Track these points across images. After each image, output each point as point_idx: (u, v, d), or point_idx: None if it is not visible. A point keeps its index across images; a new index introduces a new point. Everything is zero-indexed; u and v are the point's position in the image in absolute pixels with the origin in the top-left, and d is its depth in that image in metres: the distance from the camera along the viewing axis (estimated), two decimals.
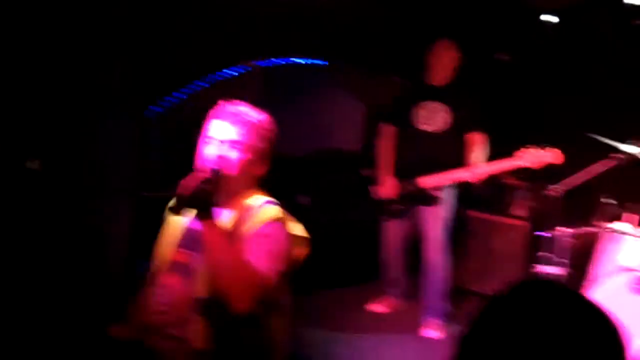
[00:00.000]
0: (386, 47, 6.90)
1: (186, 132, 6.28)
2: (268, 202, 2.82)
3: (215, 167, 2.67)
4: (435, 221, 5.74)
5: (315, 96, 7.10)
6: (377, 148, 5.91)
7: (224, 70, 6.39)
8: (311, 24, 6.42)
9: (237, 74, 6.45)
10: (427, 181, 5.61)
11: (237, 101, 2.86)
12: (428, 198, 5.69)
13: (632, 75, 6.48)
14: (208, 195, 2.56)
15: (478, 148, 5.66)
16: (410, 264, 6.14)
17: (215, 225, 2.59)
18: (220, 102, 2.84)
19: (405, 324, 5.95)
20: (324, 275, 6.47)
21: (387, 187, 5.79)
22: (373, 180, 5.88)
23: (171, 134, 6.20)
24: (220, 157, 2.73)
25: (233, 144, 2.76)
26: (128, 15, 4.82)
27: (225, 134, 2.76)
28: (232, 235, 2.69)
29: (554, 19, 6.95)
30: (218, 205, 2.64)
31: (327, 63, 7.06)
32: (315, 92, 7.10)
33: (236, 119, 2.78)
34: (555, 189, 5.44)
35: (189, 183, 2.56)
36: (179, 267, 2.79)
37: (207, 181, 2.58)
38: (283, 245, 2.72)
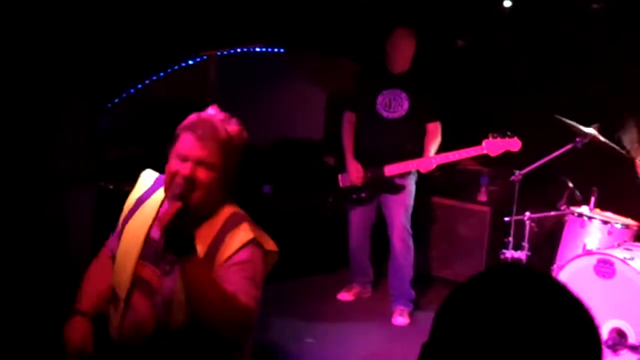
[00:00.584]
0: (344, 33, 6.85)
1: (142, 122, 6.24)
2: (234, 220, 2.69)
3: (183, 193, 2.54)
4: (399, 208, 5.75)
5: (274, 84, 7.03)
6: (341, 135, 5.87)
7: (181, 60, 6.30)
8: (268, 10, 6.36)
9: (193, 63, 6.36)
10: (392, 169, 5.61)
11: (210, 111, 2.71)
12: (392, 186, 5.68)
13: (587, 60, 6.52)
14: (183, 233, 2.45)
15: (433, 137, 5.68)
16: (377, 252, 6.13)
17: (197, 263, 2.48)
18: (192, 115, 2.70)
19: (372, 311, 5.96)
20: (291, 264, 6.44)
21: (352, 173, 5.75)
22: (337, 168, 5.85)
23: (128, 125, 6.10)
24: (189, 178, 2.58)
25: (202, 163, 2.61)
26: (84, 4, 4.73)
27: (195, 152, 2.61)
28: (207, 261, 2.59)
29: (509, 3, 6.96)
30: (191, 229, 2.54)
31: (285, 50, 6.99)
32: (275, 80, 7.04)
33: (206, 136, 2.62)
34: (519, 174, 5.45)
35: (164, 218, 2.44)
36: (145, 286, 2.67)
37: (180, 213, 2.45)
38: (260, 267, 2.65)
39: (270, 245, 2.73)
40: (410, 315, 5.81)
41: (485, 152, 5.50)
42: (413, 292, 5.89)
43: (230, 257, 2.58)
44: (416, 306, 5.90)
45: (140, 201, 2.82)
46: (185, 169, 2.58)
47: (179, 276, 2.55)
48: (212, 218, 2.68)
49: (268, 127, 6.89)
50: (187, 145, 2.61)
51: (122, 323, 2.69)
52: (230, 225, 2.66)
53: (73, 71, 4.68)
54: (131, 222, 2.79)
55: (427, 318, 5.68)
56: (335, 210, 6.02)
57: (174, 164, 2.62)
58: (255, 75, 6.85)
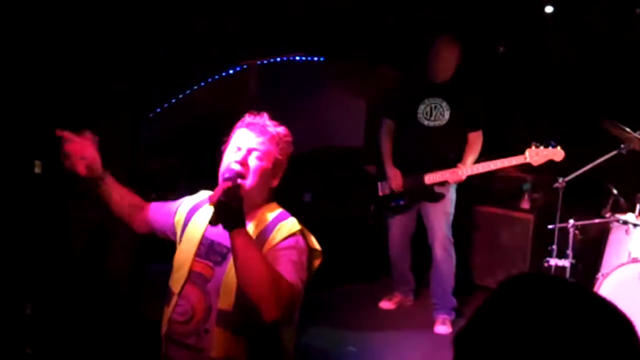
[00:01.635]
0: (385, 41, 6.83)
1: (184, 132, 6.29)
2: (284, 215, 2.81)
3: (236, 174, 2.69)
4: (440, 217, 5.71)
5: (315, 93, 7.04)
6: (379, 143, 5.85)
7: (222, 70, 6.33)
8: (308, 20, 6.36)
9: (234, 72, 6.39)
10: (432, 177, 5.57)
11: (262, 113, 2.88)
12: (432, 194, 5.65)
13: (633, 64, 6.43)
14: (232, 206, 2.55)
15: (473, 147, 5.64)
16: (420, 260, 6.10)
17: (244, 234, 2.56)
18: (247, 115, 2.88)
19: (414, 320, 5.94)
20: (333, 273, 6.44)
21: (391, 180, 5.73)
22: (377, 176, 5.83)
23: (169, 134, 6.14)
24: (243, 164, 2.74)
25: (255, 151, 2.77)
26: (125, 15, 4.77)
27: (248, 143, 2.78)
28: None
29: (550, 9, 6.89)
30: (243, 215, 2.61)
31: (325, 59, 6.99)
32: (315, 89, 7.05)
33: (259, 129, 2.81)
34: (563, 181, 5.39)
35: (214, 195, 2.57)
36: (197, 278, 2.79)
37: (229, 190, 2.58)
38: (305, 256, 2.71)
39: (316, 244, 2.81)
40: (453, 324, 5.76)
41: (527, 161, 5.43)
42: (455, 301, 5.84)
43: (277, 243, 2.68)
44: (458, 315, 5.85)
45: (195, 208, 2.96)
46: (238, 156, 2.75)
47: (229, 264, 2.67)
48: (262, 209, 2.81)
49: (309, 136, 6.88)
50: (240, 136, 2.81)
51: (173, 313, 2.80)
52: (279, 218, 2.78)
53: (116, 81, 4.72)
54: (190, 225, 2.92)
55: None
56: (377, 219, 6.00)
57: (228, 156, 2.79)
58: (295, 84, 6.87)
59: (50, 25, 4.25)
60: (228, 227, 2.53)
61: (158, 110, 5.99)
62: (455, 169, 5.55)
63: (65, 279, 4.32)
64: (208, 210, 2.82)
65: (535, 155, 5.39)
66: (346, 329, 5.63)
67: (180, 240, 2.92)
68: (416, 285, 6.25)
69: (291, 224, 2.74)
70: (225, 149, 2.82)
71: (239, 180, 2.70)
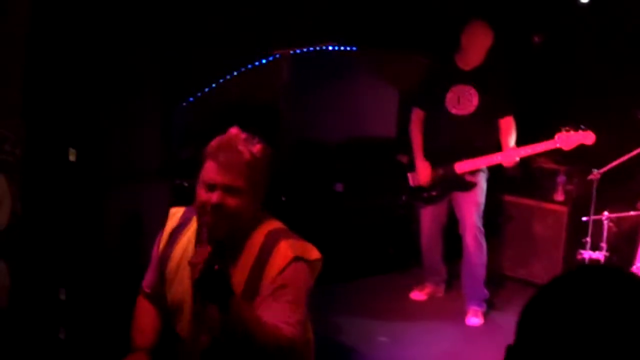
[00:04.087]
0: (418, 29, 6.79)
1: (217, 121, 6.30)
2: (273, 238, 2.70)
3: (214, 223, 2.54)
4: (471, 207, 5.67)
5: (347, 82, 7.02)
6: (409, 133, 5.83)
7: (254, 59, 6.34)
8: (340, 8, 6.35)
9: (266, 62, 6.39)
10: (462, 166, 5.54)
11: (232, 132, 2.70)
12: (463, 183, 5.62)
13: None
14: (220, 281, 2.37)
15: (509, 131, 5.57)
16: (450, 251, 6.07)
17: (238, 305, 2.46)
18: (213, 141, 2.70)
19: (445, 311, 5.91)
20: (364, 263, 6.45)
21: (420, 174, 5.71)
22: (409, 166, 5.81)
23: (202, 123, 6.16)
24: (218, 206, 2.59)
25: (230, 190, 2.61)
26: (160, 4, 4.79)
27: (221, 179, 2.61)
28: (250, 290, 2.63)
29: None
30: (227, 265, 2.48)
31: (357, 48, 6.97)
32: (347, 79, 7.03)
33: (230, 161, 2.61)
34: (598, 172, 5.33)
35: (196, 266, 2.39)
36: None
37: (212, 258, 2.38)
38: (304, 285, 2.67)
39: (313, 254, 2.73)
40: (484, 315, 5.72)
41: (558, 145, 5.36)
42: (487, 292, 5.81)
43: (273, 279, 2.61)
44: (490, 306, 5.82)
45: (177, 232, 2.87)
46: (213, 197, 2.59)
47: None
48: (248, 243, 2.70)
49: (341, 125, 6.89)
50: (211, 173, 2.62)
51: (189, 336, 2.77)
52: (268, 247, 2.67)
53: (149, 70, 4.74)
54: (174, 256, 2.83)
55: (501, 318, 5.65)
56: (408, 209, 5.98)
57: (202, 194, 2.63)
58: (328, 74, 6.85)
59: (85, 14, 4.27)
60: (219, 307, 2.42)
61: (191, 99, 6.01)
62: (507, 151, 5.48)
63: (99, 266, 4.36)
64: (190, 235, 2.79)
65: (566, 139, 5.31)
66: (377, 320, 5.63)
67: (166, 279, 2.84)
68: (447, 276, 6.22)
69: (282, 255, 2.64)
70: (198, 184, 2.67)
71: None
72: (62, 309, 4.23)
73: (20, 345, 4.03)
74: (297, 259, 2.64)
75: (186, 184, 5.23)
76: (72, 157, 4.17)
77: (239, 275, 2.62)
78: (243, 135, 2.68)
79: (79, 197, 4.29)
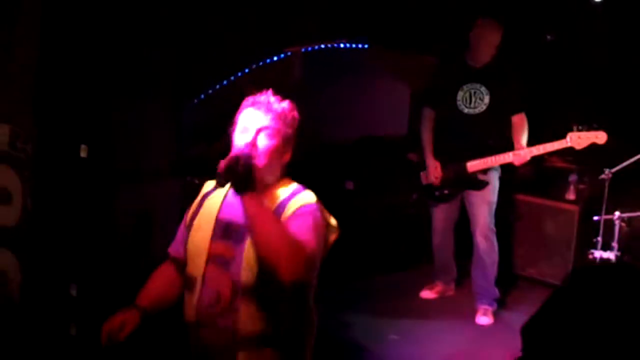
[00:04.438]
0: (429, 28, 6.79)
1: (227, 119, 6.31)
2: (299, 189, 2.82)
3: (247, 152, 2.65)
4: (483, 205, 5.66)
5: (358, 80, 7.02)
6: (420, 132, 5.83)
7: (266, 56, 6.34)
8: (352, 6, 6.34)
9: (278, 59, 6.39)
10: (474, 165, 5.53)
11: (264, 91, 2.86)
12: (475, 182, 5.61)
13: None
14: (244, 168, 2.54)
15: (521, 128, 5.55)
16: (461, 250, 6.06)
17: (256, 197, 2.58)
18: (249, 95, 2.86)
19: (455, 310, 5.90)
20: (374, 261, 6.45)
21: (430, 173, 5.71)
22: (420, 165, 5.80)
23: (213, 121, 6.16)
24: (251, 144, 2.72)
25: (263, 130, 2.76)
26: (172, 1, 4.81)
27: (256, 122, 2.76)
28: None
29: None
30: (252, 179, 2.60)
31: (369, 46, 6.97)
32: (359, 77, 7.02)
33: (264, 107, 2.79)
34: (609, 172, 5.32)
35: (222, 163, 2.55)
36: (217, 260, 2.78)
37: (237, 158, 2.55)
38: (321, 225, 2.73)
39: (332, 219, 2.82)
40: (494, 314, 5.71)
41: (569, 145, 5.34)
42: (497, 291, 5.79)
43: (292, 212, 2.69)
44: (500, 305, 5.82)
45: (206, 195, 2.94)
46: (247, 137, 2.72)
47: (248, 241, 2.67)
48: (276, 186, 2.80)
49: (351, 123, 6.88)
50: (247, 116, 2.78)
51: (200, 298, 2.79)
52: (295, 192, 2.78)
53: (161, 67, 4.75)
54: (201, 212, 2.90)
55: (511, 318, 5.64)
56: (419, 207, 5.98)
57: (236, 137, 2.76)
58: (339, 72, 6.85)
59: (96, 13, 4.29)
60: (238, 190, 2.55)
61: (202, 96, 6.02)
62: (518, 151, 5.46)
63: (110, 262, 4.37)
64: (218, 194, 2.86)
65: (577, 138, 5.29)
66: (387, 318, 5.63)
67: (190, 229, 2.91)
68: (458, 274, 6.21)
69: (307, 196, 2.76)
70: (233, 131, 2.80)
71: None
72: (73, 304, 4.25)
73: (32, 340, 4.05)
74: (317, 203, 2.75)
75: (197, 181, 5.23)
76: (83, 154, 4.18)
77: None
78: (274, 96, 2.84)
79: (90, 193, 4.31)
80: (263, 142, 2.74)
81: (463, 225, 5.89)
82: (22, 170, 4.05)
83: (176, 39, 4.88)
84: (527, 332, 1.31)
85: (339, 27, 6.53)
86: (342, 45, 6.84)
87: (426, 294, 6.14)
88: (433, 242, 6.04)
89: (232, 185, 2.57)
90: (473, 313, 5.72)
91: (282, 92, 2.90)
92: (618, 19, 6.75)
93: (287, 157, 2.84)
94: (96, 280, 4.31)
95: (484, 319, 5.67)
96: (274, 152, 2.77)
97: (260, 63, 6.30)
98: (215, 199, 2.87)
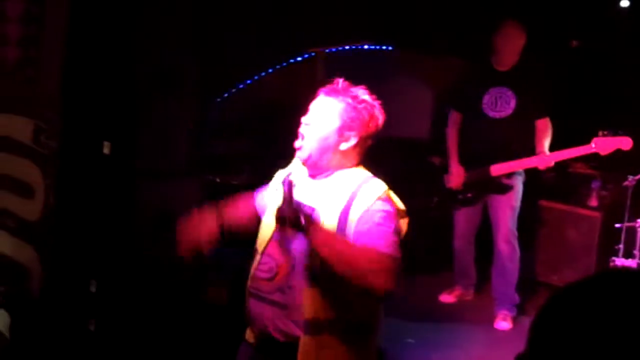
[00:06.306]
0: (454, 31, 6.76)
1: (250, 118, 6.32)
2: (367, 177, 2.83)
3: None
4: (505, 210, 5.62)
5: (382, 82, 6.97)
6: (446, 135, 5.80)
7: (289, 57, 6.35)
8: (377, 7, 6.33)
9: (301, 60, 6.39)
10: (498, 169, 5.50)
11: (339, 80, 2.89)
12: (499, 186, 5.58)
13: None
14: (292, 212, 2.58)
15: (545, 133, 5.51)
16: (481, 254, 6.03)
17: (318, 230, 2.62)
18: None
19: (474, 314, 5.87)
20: None
21: (453, 178, 5.68)
22: (442, 168, 5.78)
23: (236, 120, 6.18)
24: (307, 127, 2.80)
25: (310, 119, 2.82)
26: (196, 1, 4.83)
27: (317, 105, 2.84)
28: (341, 217, 2.71)
29: (627, 3, 6.74)
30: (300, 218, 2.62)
31: (393, 48, 6.95)
32: (383, 78, 6.99)
33: (332, 92, 2.83)
34: (633, 179, 5.27)
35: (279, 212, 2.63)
36: (281, 237, 2.82)
37: (287, 203, 2.60)
38: (395, 221, 2.73)
39: (400, 204, 2.83)
40: (514, 320, 5.67)
41: (594, 150, 5.29)
42: (517, 297, 5.75)
43: (368, 208, 2.68)
44: (520, 311, 5.77)
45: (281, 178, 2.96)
46: (306, 119, 2.82)
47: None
48: (341, 172, 2.82)
49: None
50: (315, 100, 2.85)
51: (257, 268, 2.85)
52: (362, 179, 2.79)
53: (186, 66, 4.78)
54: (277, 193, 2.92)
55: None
56: (440, 211, 5.95)
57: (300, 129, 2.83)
58: (362, 73, 6.82)
59: (122, 11, 4.31)
60: (298, 231, 2.60)
61: (226, 94, 6.04)
62: (541, 155, 5.42)
63: (130, 258, 4.39)
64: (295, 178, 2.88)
65: (603, 143, 5.23)
66: (405, 321, 5.59)
67: (274, 202, 2.91)
68: (478, 279, 6.17)
69: (376, 186, 2.76)
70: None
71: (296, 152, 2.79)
72: (93, 300, 4.27)
73: (51, 335, 4.08)
74: (389, 196, 2.77)
75: (218, 180, 5.25)
76: (106, 150, 4.20)
77: (329, 210, 2.74)
78: (366, 92, 2.90)
79: (111, 190, 4.33)
80: (307, 132, 2.79)
81: (483, 230, 5.86)
82: (45, 165, 4.08)
83: (201, 39, 4.90)
84: (536, 328, 1.29)
85: (363, 28, 6.52)
86: (365, 47, 6.83)
87: (445, 297, 6.11)
88: (454, 246, 6.01)
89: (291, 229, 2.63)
90: (492, 318, 5.69)
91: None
92: None
93: (347, 145, 2.82)
94: (116, 276, 4.33)
95: (503, 324, 5.63)
96: (320, 141, 2.79)
97: (284, 63, 6.31)
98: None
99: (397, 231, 2.71)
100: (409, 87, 7.28)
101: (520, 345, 1.36)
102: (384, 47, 6.94)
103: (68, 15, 4.11)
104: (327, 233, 2.63)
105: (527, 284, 6.18)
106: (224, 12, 5.19)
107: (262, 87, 6.21)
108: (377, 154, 6.89)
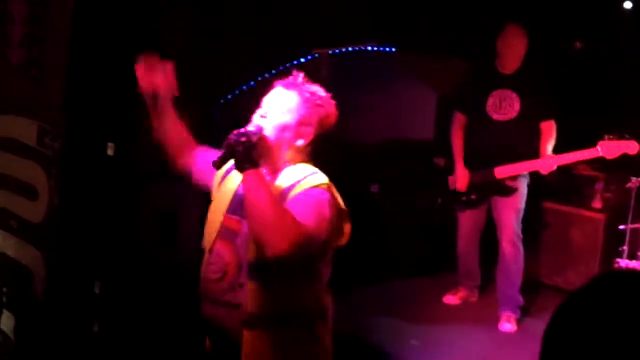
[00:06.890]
0: (457, 33, 6.76)
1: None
2: (313, 172, 2.77)
3: (249, 130, 2.68)
4: (510, 212, 5.63)
5: (385, 84, 7.00)
6: (450, 137, 5.81)
7: (293, 58, 6.34)
8: (380, 9, 6.33)
9: (305, 61, 6.39)
10: (502, 171, 5.50)
11: (298, 73, 2.89)
12: (503, 188, 5.58)
13: None
14: (244, 145, 2.57)
15: (549, 135, 5.51)
16: (485, 256, 6.03)
17: (256, 173, 2.58)
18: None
19: (478, 316, 5.88)
20: (397, 265, 6.43)
21: (458, 180, 5.68)
22: (447, 169, 5.78)
23: (239, 121, 6.17)
24: (264, 117, 2.76)
25: (276, 105, 2.78)
26: (199, 3, 4.82)
27: (275, 96, 2.80)
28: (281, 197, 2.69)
29: (630, 4, 6.73)
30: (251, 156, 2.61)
31: (397, 50, 6.95)
32: (386, 80, 7.01)
33: (289, 85, 2.82)
34: (636, 181, 5.27)
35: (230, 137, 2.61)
36: (228, 234, 2.79)
37: (245, 134, 2.61)
38: (327, 209, 2.65)
39: (342, 203, 2.77)
40: (518, 322, 5.68)
41: (600, 154, 5.29)
42: (521, 299, 5.76)
43: (299, 192, 2.66)
44: (524, 313, 5.78)
45: (230, 170, 2.91)
46: (262, 110, 2.78)
47: None
48: (288, 167, 2.78)
49: (378, 126, 6.87)
50: (271, 92, 2.83)
51: (206, 271, 2.82)
52: (306, 174, 2.74)
53: (189, 66, 4.77)
54: (223, 184, 2.91)
55: (535, 326, 5.60)
56: (444, 212, 5.95)
57: (256, 113, 2.80)
58: (366, 74, 6.84)
59: (125, 12, 4.31)
60: (238, 167, 2.58)
61: (230, 96, 6.03)
62: (544, 158, 5.43)
63: (134, 260, 4.39)
64: None
65: (609, 147, 5.24)
66: (409, 322, 5.61)
67: (216, 194, 2.93)
68: (482, 280, 6.17)
69: (317, 179, 2.71)
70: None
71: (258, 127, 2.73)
72: (97, 302, 4.27)
73: (55, 337, 4.08)
74: (327, 188, 2.71)
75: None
76: (110, 152, 4.20)
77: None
78: (321, 89, 2.88)
79: (115, 191, 4.32)
80: (273, 115, 2.74)
81: (487, 232, 5.86)
82: (49, 166, 4.07)
83: (204, 39, 4.89)
84: (549, 336, 1.29)
85: (366, 29, 6.52)
86: (369, 48, 6.82)
87: (449, 299, 6.11)
88: (458, 248, 6.02)
89: (234, 162, 2.60)
90: (496, 320, 5.69)
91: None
92: None
93: (301, 141, 2.79)
94: (120, 278, 4.33)
95: (507, 325, 5.63)
96: (283, 129, 2.75)
97: (288, 64, 6.30)
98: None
99: (325, 217, 2.61)
100: (412, 89, 7.28)
101: (524, 347, 1.35)
102: (387, 49, 6.94)
103: (72, 17, 4.11)
104: (260, 175, 2.59)
105: (531, 285, 6.20)
106: (226, 13, 5.19)
107: (266, 88, 6.21)
108: (380, 155, 6.90)
